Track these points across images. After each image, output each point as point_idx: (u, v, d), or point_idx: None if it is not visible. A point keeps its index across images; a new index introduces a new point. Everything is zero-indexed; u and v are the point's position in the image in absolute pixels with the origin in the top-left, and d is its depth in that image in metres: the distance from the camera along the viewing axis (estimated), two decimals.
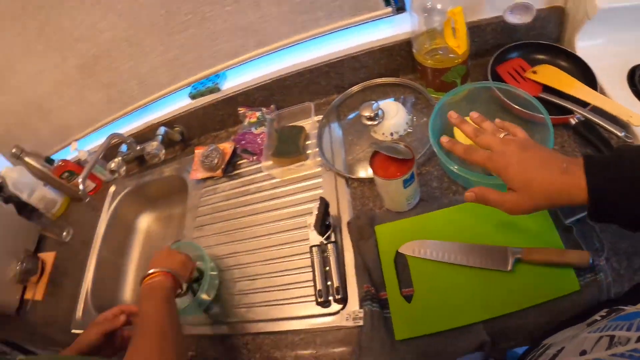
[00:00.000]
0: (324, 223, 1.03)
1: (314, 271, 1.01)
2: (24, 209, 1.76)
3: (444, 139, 0.81)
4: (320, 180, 1.18)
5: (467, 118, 0.88)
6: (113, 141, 1.39)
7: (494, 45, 1.24)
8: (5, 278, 1.53)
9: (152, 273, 0.93)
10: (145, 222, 1.65)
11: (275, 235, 1.14)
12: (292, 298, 1.04)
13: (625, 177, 0.57)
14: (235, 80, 1.30)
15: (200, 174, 1.31)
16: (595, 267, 0.86)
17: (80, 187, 1.25)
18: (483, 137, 0.77)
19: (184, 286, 1.04)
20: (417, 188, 1.00)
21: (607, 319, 0.56)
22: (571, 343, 0.54)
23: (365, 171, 1.13)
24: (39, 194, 1.72)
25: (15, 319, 1.47)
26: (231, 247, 1.18)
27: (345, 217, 1.08)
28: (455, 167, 0.90)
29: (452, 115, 0.84)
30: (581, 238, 0.90)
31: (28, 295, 1.63)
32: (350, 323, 0.94)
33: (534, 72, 1.15)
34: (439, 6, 1.01)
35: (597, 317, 0.61)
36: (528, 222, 0.94)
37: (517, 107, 1.03)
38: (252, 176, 1.28)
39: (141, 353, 0.73)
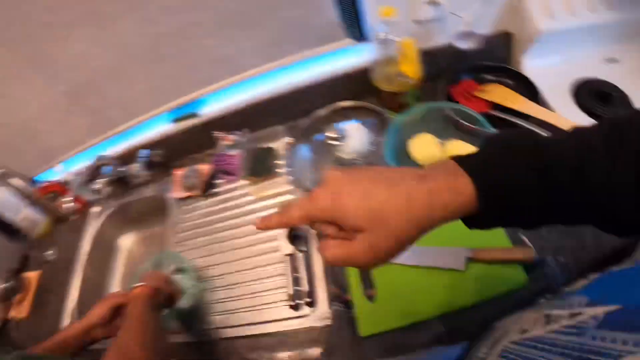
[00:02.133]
0: (295, 234, 1.11)
1: (287, 278, 1.09)
2: (8, 229, 1.82)
3: (258, 223, 0.56)
4: (291, 197, 1.27)
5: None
6: (98, 162, 1.47)
7: (447, 68, 1.35)
8: None
9: (136, 286, 1.01)
10: (128, 242, 1.71)
11: (251, 247, 1.23)
12: (267, 304, 1.12)
13: (514, 165, 0.45)
14: (213, 107, 1.39)
15: (180, 193, 1.39)
16: (542, 263, 0.96)
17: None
18: (291, 205, 0.52)
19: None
20: None
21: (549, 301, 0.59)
22: (514, 323, 0.56)
23: None
24: (23, 214, 1.79)
25: None
26: (211, 259, 1.26)
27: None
28: None
29: (257, 223, 0.56)
30: (528, 236, 1.00)
31: (13, 314, 1.69)
32: (320, 323, 1.02)
33: (484, 91, 1.26)
34: (393, 37, 1.12)
35: (541, 300, 0.64)
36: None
37: (467, 124, 1.14)
38: (229, 194, 1.36)
39: (124, 344, 0.82)
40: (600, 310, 0.38)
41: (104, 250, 1.66)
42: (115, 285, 1.63)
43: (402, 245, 0.46)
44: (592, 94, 1.27)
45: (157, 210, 1.55)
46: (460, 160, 0.47)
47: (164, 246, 1.38)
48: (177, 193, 1.40)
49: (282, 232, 1.13)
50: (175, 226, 1.38)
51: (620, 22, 1.32)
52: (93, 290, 1.56)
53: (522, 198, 0.44)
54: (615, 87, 1.31)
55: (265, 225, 0.54)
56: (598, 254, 0.96)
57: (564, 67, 1.36)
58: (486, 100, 1.25)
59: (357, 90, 1.33)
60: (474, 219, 0.47)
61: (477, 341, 0.64)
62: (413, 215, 0.44)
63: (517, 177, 0.44)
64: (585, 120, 1.21)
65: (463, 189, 0.44)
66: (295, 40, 1.23)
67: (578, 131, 0.46)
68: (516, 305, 0.73)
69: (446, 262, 0.99)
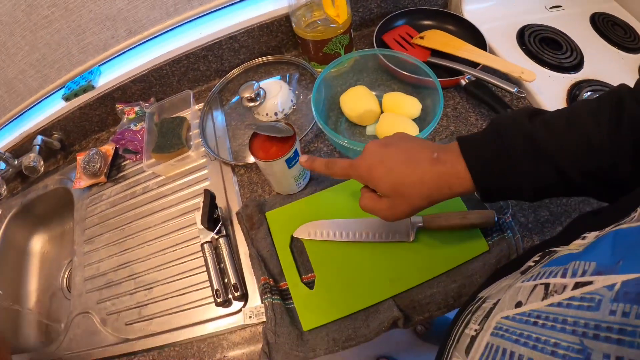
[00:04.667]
0: (212, 217, 0.94)
1: (208, 271, 0.92)
2: None
3: (302, 159, 0.74)
4: (205, 172, 1.09)
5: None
6: None
7: (380, 14, 1.20)
8: None
9: None
10: (39, 243, 1.48)
11: (166, 238, 1.04)
12: (191, 302, 0.94)
13: (505, 151, 0.54)
14: (111, 75, 1.18)
15: (83, 182, 1.19)
16: (502, 226, 0.85)
17: None
18: (337, 162, 0.69)
19: None
20: None
21: (540, 264, 0.51)
22: (506, 294, 0.49)
23: (251, 156, 1.04)
24: None
25: None
26: (123, 257, 1.07)
27: (235, 208, 1.00)
28: (345, 141, 0.84)
29: (301, 159, 0.75)
30: None
31: None
32: (254, 320, 0.87)
33: (422, 38, 1.12)
34: None
35: (530, 262, 0.56)
36: None
37: (405, 72, 0.99)
38: (137, 177, 1.16)
39: None
40: (615, 279, 0.33)
41: (13, 257, 1.42)
42: (33, 294, 1.40)
43: (415, 210, 0.61)
44: (537, 39, 1.19)
45: (64, 204, 1.33)
46: (462, 143, 0.57)
47: (74, 246, 1.17)
48: (80, 182, 1.20)
49: (198, 216, 0.95)
50: (84, 221, 1.18)
51: None
52: (7, 306, 1.33)
53: (512, 192, 0.56)
54: (561, 32, 1.24)
55: (309, 165, 0.73)
56: (556, 207, 0.89)
57: (506, 11, 1.28)
58: (425, 48, 1.11)
59: (276, 43, 1.16)
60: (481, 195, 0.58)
61: (464, 314, 0.59)
62: (424, 192, 0.59)
63: (509, 175, 0.54)
64: (533, 66, 1.13)
65: (463, 174, 0.56)
66: None
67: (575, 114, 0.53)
68: (478, 278, 0.78)
69: (393, 234, 0.85)
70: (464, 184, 0.56)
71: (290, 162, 0.84)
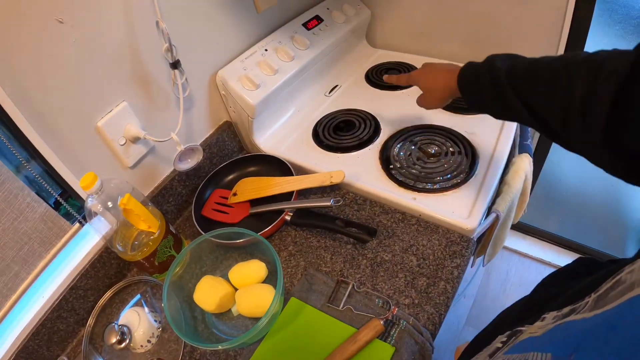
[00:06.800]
0: None
1: None
2: None
3: (386, 76, 1.17)
4: None
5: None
6: None
7: (190, 191, 1.25)
8: None
9: None
10: None
11: None
12: None
13: (478, 70, 0.84)
14: None
15: None
16: (393, 320, 0.88)
17: None
18: (402, 76, 1.10)
19: None
20: None
21: (507, 345, 0.55)
22: None
23: None
24: None
25: None
26: None
27: None
28: (219, 347, 0.88)
29: (386, 78, 1.17)
30: (362, 309, 0.92)
31: None
32: None
33: (235, 195, 1.18)
34: (110, 204, 0.98)
35: (498, 343, 0.59)
36: (316, 335, 0.92)
37: (234, 241, 1.02)
38: None
39: None
40: None
41: None
42: None
43: (441, 101, 1.01)
44: (331, 130, 1.29)
45: None
46: (464, 66, 0.90)
47: None
48: None
49: None
50: None
51: (317, 57, 1.37)
52: None
53: (480, 98, 0.86)
54: (349, 110, 1.36)
55: (390, 80, 1.15)
56: (429, 269, 0.97)
57: (294, 122, 1.37)
58: (243, 202, 1.17)
59: (115, 270, 1.17)
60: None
61: None
62: (444, 91, 0.96)
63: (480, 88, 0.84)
64: (339, 158, 1.23)
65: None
66: (19, 258, 1.03)
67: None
68: None
69: None
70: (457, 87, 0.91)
71: None
